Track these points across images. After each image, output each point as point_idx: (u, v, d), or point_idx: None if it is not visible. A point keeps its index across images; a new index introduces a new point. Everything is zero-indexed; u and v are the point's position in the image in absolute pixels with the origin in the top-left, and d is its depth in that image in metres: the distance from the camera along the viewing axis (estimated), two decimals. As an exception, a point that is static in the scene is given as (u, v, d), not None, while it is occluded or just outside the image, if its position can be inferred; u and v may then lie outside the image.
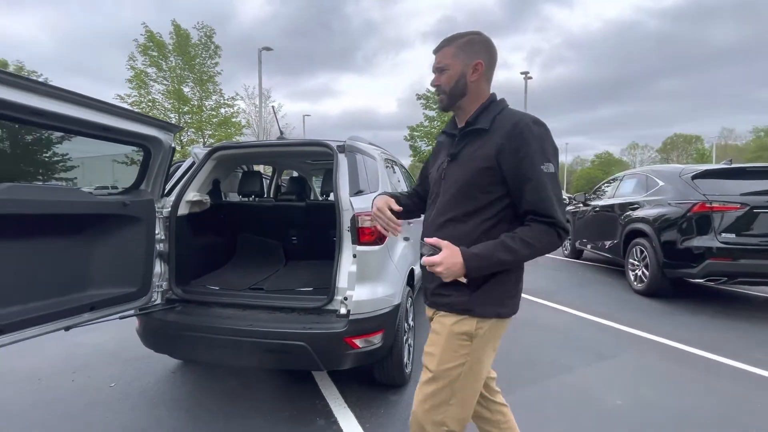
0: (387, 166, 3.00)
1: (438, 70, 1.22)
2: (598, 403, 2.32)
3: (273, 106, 9.52)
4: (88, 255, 1.82)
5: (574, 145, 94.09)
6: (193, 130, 17.77)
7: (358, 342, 1.98)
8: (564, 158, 58.92)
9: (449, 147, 1.24)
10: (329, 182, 2.75)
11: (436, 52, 1.23)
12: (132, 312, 2.06)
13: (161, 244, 2.22)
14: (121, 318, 1.98)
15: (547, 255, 4.94)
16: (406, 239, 2.74)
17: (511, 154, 1.08)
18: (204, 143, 17.13)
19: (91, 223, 1.81)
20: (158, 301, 2.19)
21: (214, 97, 18.47)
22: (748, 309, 4.30)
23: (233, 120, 18.90)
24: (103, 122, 1.69)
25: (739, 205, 3.89)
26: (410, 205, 1.49)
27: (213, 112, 18.37)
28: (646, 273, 4.65)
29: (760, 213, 3.85)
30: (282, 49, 20.04)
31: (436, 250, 1.10)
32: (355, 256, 2.05)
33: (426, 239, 1.11)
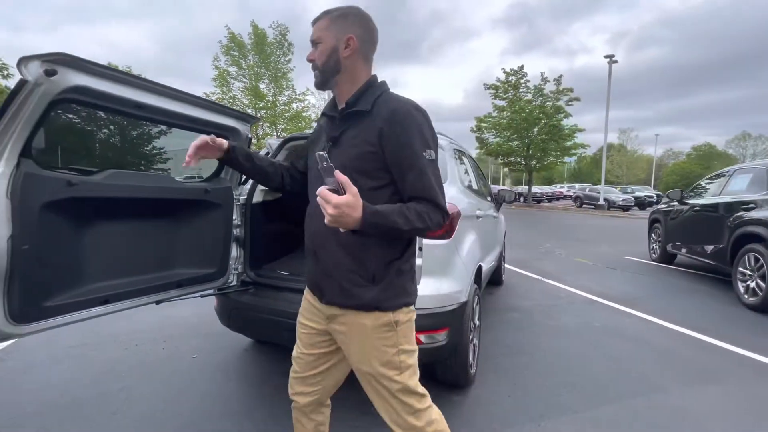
0: (455, 157, 2.87)
1: (312, 43, 1.14)
2: (699, 433, 2.00)
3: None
4: (175, 237, 1.98)
5: (666, 137, 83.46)
6: (267, 124, 18.97)
7: (421, 338, 1.91)
8: (653, 151, 52.70)
9: (330, 130, 1.16)
10: None
11: (312, 25, 1.15)
12: (211, 291, 2.22)
13: (237, 230, 2.35)
14: (202, 296, 2.14)
15: (633, 258, 4.46)
16: (475, 236, 2.59)
17: (393, 140, 1.05)
18: (277, 136, 18.19)
19: (179, 207, 1.96)
20: (234, 283, 2.33)
21: (287, 93, 19.54)
22: None
23: (304, 114, 19.81)
24: (189, 113, 1.82)
25: None
26: (268, 168, 1.33)
27: (285, 107, 19.44)
28: (762, 285, 3.94)
29: None
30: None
31: (340, 190, 0.92)
32: (420, 249, 1.98)
33: (337, 174, 0.91)
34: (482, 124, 24.91)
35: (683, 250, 5.80)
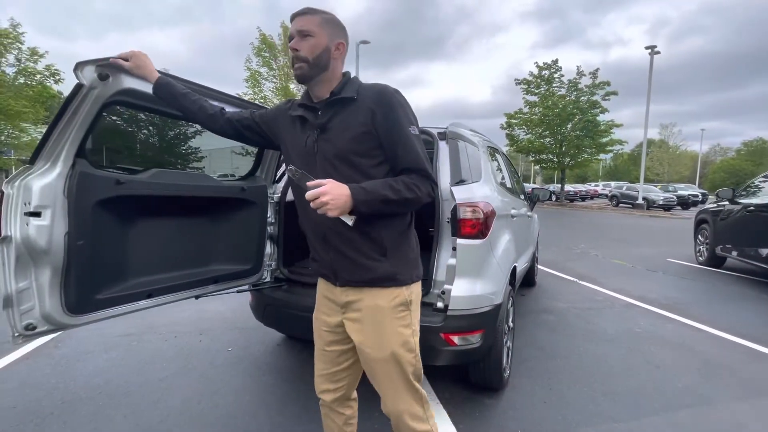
0: (488, 154, 2.79)
1: (301, 33, 1.14)
2: None
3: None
4: (213, 234, 2.04)
5: (712, 132, 78.20)
6: (297, 123, 19.34)
7: (455, 339, 1.87)
8: (698, 147, 49.58)
9: (312, 119, 1.19)
10: None
11: (299, 15, 1.16)
12: (246, 287, 2.27)
13: (271, 227, 2.39)
14: (238, 292, 2.20)
15: (676, 261, 4.21)
16: (510, 236, 2.52)
17: (383, 119, 1.13)
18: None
19: (216, 205, 2.02)
20: (268, 279, 2.38)
21: (316, 92, 19.82)
22: None
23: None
24: None
25: None
26: (200, 104, 1.37)
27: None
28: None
29: None
30: (375, 43, 20.53)
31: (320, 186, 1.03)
32: (454, 249, 1.94)
33: (308, 183, 1.03)
34: (512, 121, 24.28)
35: (734, 253, 5.41)
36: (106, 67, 1.34)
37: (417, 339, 1.24)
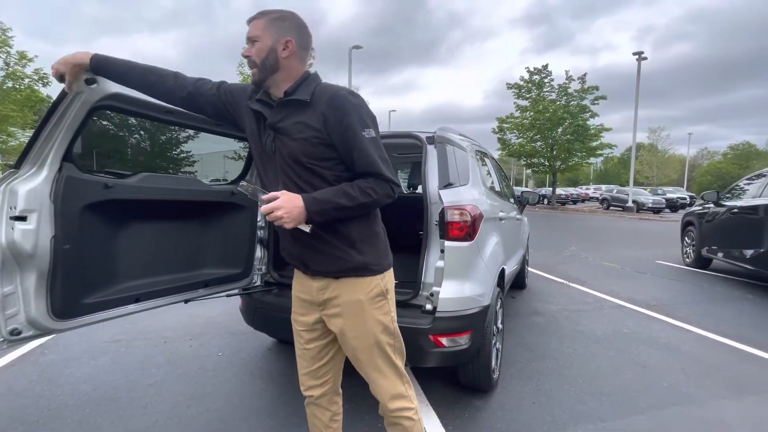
0: (477, 158, 2.84)
1: (249, 40, 1.17)
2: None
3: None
4: (203, 238, 2.05)
5: (699, 136, 79.54)
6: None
7: (444, 341, 1.89)
8: (686, 150, 50.46)
9: (269, 116, 1.19)
10: (417, 175, 2.69)
11: (249, 22, 1.18)
12: (236, 291, 2.27)
13: (261, 231, 2.40)
14: (227, 296, 2.20)
15: (664, 263, 4.28)
16: (498, 239, 2.56)
17: (336, 124, 1.13)
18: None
19: (206, 209, 2.03)
20: (258, 283, 2.38)
21: (308, 97, 19.85)
22: None
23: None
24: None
25: None
26: (164, 81, 1.26)
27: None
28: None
29: None
30: (368, 48, 20.70)
31: (274, 199, 1.07)
32: (443, 251, 1.97)
33: (262, 196, 1.08)
34: (504, 125, 24.51)
35: (720, 255, 5.52)
36: (92, 72, 1.35)
37: (395, 321, 1.29)
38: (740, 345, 3.15)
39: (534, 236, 6.03)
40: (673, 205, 22.83)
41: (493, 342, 2.28)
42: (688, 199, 24.09)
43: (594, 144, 22.63)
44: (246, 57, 1.18)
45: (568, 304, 4.25)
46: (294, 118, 1.15)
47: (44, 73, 15.15)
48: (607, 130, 22.53)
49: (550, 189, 26.45)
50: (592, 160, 27.66)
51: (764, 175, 5.16)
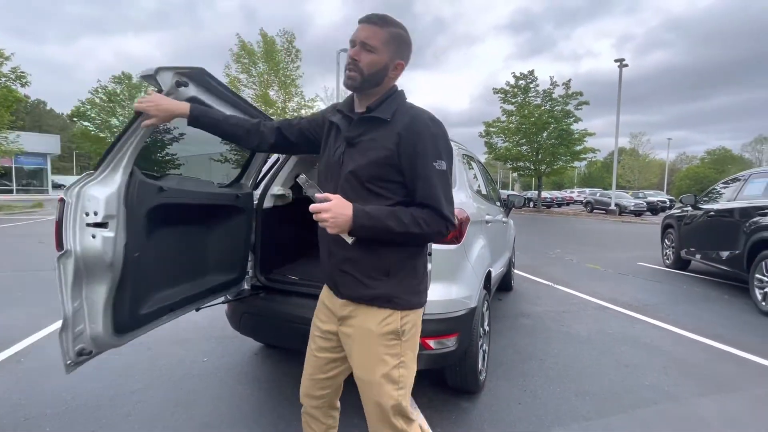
0: (464, 162, 2.87)
1: (363, 45, 1.10)
2: None
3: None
4: (209, 243, 2.00)
5: (679, 141, 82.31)
6: (277, 130, 19.20)
7: (431, 343, 1.91)
8: (666, 155, 51.93)
9: (345, 129, 1.17)
10: None
11: (368, 23, 1.10)
12: (231, 297, 2.24)
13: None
14: (224, 302, 2.16)
15: (645, 264, 4.39)
16: (484, 242, 2.59)
17: (409, 147, 1.08)
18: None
19: (213, 213, 1.99)
20: (245, 287, 2.36)
21: (296, 99, 19.76)
22: None
23: (313, 120, 20.01)
24: None
25: None
26: (239, 131, 1.32)
27: (295, 113, 19.66)
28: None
29: None
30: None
31: (326, 200, 1.05)
32: (430, 254, 1.98)
33: (316, 194, 1.05)
34: (491, 129, 24.81)
35: (697, 256, 5.69)
36: (186, 75, 1.33)
37: (405, 372, 1.15)
38: (717, 344, 3.25)
39: (520, 239, 6.12)
40: (653, 208, 23.42)
41: (480, 344, 2.30)
42: (668, 203, 24.75)
43: (578, 148, 23.07)
44: (353, 59, 1.11)
45: (553, 305, 4.32)
46: (370, 134, 1.12)
47: (22, 72, 14.73)
48: (591, 134, 23.03)
49: (536, 192, 26.85)
50: (576, 164, 28.23)
51: (739, 179, 5.35)
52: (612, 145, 23.55)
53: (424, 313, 1.91)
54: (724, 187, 5.66)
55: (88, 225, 1.26)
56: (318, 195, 1.05)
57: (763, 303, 4.08)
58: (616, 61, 21.05)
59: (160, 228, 1.59)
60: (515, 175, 34.20)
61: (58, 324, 1.43)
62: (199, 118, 1.30)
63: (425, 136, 1.09)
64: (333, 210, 1.01)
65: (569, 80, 22.58)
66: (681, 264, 6.38)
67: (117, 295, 1.34)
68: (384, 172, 1.10)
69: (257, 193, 2.47)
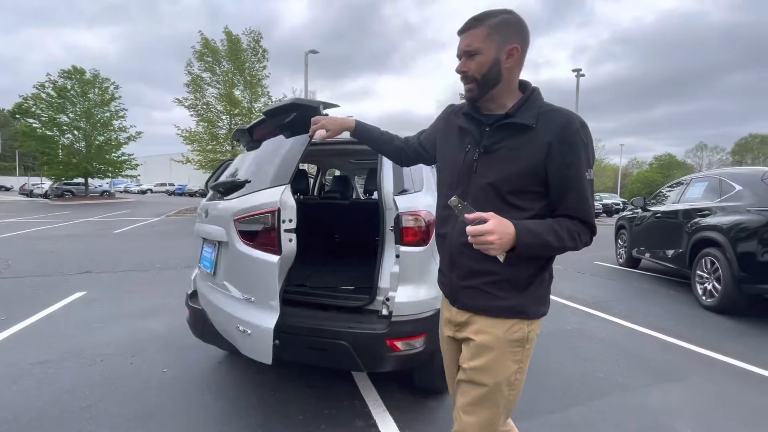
0: (431, 165, 2.92)
1: (466, 54, 1.06)
2: (664, 430, 2.10)
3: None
4: None
5: (630, 147, 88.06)
6: (243, 131, 18.65)
7: (399, 345, 1.92)
8: (619, 161, 55.30)
9: (476, 134, 1.10)
10: (372, 181, 2.71)
11: (462, 33, 1.07)
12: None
13: None
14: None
15: (601, 263, 4.63)
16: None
17: (559, 157, 1.01)
18: (253, 143, 17.87)
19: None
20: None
21: (262, 100, 19.29)
22: None
23: (280, 121, 19.58)
24: None
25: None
26: (387, 147, 1.46)
27: (261, 114, 19.18)
28: (718, 287, 4.19)
29: None
30: (323, 53, 20.50)
31: (481, 220, 0.95)
32: (398, 256, 2.00)
33: (467, 215, 0.95)
34: (457, 133, 25.40)
35: (647, 255, 6.09)
36: (327, 108, 1.64)
37: (521, 377, 1.12)
38: (663, 336, 3.49)
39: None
40: (608, 210, 24.85)
41: (447, 344, 2.34)
42: (621, 205, 26.34)
43: (539, 153, 24.08)
44: (461, 72, 1.07)
45: (517, 304, 4.46)
46: (509, 141, 1.05)
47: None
48: (551, 140, 24.11)
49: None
50: (538, 168, 29.37)
51: (682, 183, 5.79)
52: (570, 151, 24.76)
53: (392, 315, 1.94)
54: (669, 191, 6.11)
55: (286, 231, 1.62)
56: (470, 216, 0.95)
57: (704, 297, 4.43)
58: (573, 71, 22.21)
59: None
60: (481, 178, 35.11)
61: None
62: (362, 132, 1.45)
63: (578, 147, 1.02)
64: (497, 231, 0.92)
65: (531, 88, 23.54)
66: (632, 262, 6.81)
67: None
68: (527, 184, 1.04)
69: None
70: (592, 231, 1.06)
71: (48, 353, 2.83)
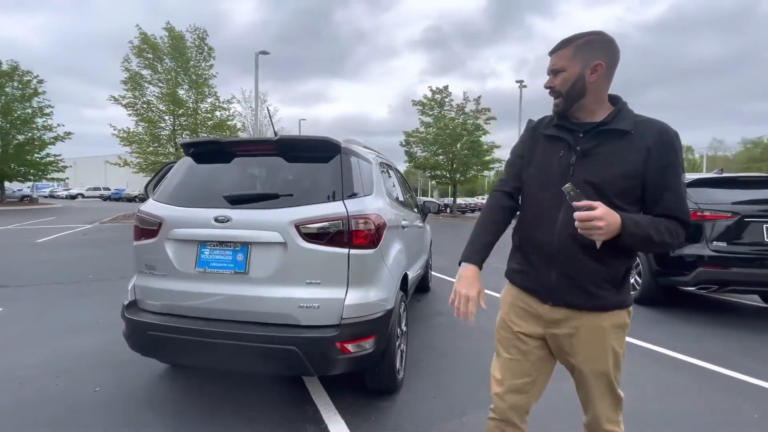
0: (382, 171, 2.99)
1: (552, 72, 1.20)
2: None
3: (268, 109, 9.46)
4: None
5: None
6: (188, 132, 17.69)
7: (350, 347, 1.94)
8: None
9: (570, 140, 1.19)
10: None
11: (552, 53, 1.22)
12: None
13: None
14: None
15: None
16: (401, 246, 2.72)
17: (657, 161, 1.11)
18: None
19: None
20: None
21: (209, 100, 18.43)
22: (740, 317, 4.33)
23: (228, 123, 18.83)
24: None
25: (730, 214, 3.93)
26: (500, 224, 1.38)
27: (208, 115, 18.31)
28: (639, 280, 4.67)
29: (751, 222, 3.89)
30: (273, 55, 20.12)
31: (589, 208, 1.04)
32: (348, 259, 2.03)
33: (576, 203, 1.05)
34: (411, 139, 25.96)
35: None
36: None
37: (622, 357, 1.26)
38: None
39: (437, 242, 6.49)
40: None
41: (398, 344, 2.41)
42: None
43: (487, 158, 25.27)
44: (549, 88, 1.18)
45: (465, 303, 4.65)
46: (607, 146, 1.13)
47: None
48: (498, 147, 25.41)
49: (452, 199, 28.69)
50: (486, 173, 30.84)
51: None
52: (515, 157, 26.28)
53: (342, 319, 1.96)
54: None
55: None
56: (580, 203, 1.03)
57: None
58: (517, 81, 23.69)
59: None
60: (434, 182, 36.16)
61: None
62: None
63: (675, 150, 1.12)
64: (606, 218, 1.01)
65: (479, 96, 24.75)
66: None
67: None
68: (629, 185, 1.12)
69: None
70: (688, 229, 1.14)
71: (-46, 379, 2.51)
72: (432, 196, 52.65)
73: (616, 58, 1.18)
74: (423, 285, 4.86)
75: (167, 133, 17.50)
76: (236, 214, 2.08)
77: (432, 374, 2.74)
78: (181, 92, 17.69)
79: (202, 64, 18.08)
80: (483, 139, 24.85)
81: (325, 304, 1.99)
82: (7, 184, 24.70)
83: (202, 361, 2.20)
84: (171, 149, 16.97)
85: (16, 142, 22.49)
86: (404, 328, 2.67)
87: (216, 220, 2.08)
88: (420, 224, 4.15)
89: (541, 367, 1.30)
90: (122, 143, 16.88)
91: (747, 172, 6.72)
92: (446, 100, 24.99)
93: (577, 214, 1.04)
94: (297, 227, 2.00)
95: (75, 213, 19.01)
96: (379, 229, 2.20)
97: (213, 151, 2.44)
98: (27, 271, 5.88)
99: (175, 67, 17.38)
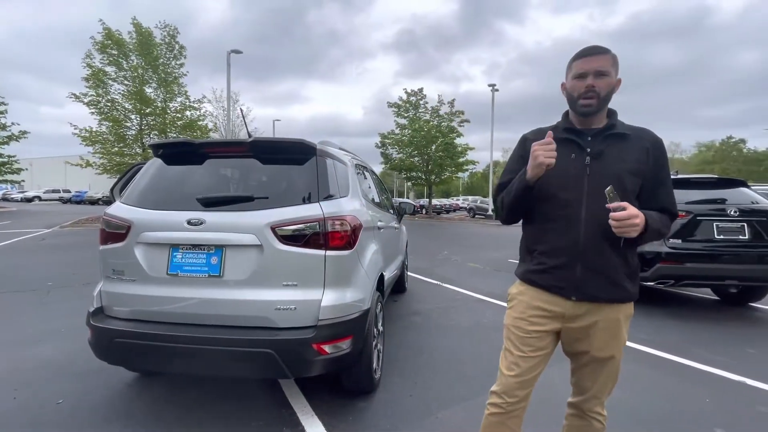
0: (358, 172, 3.01)
1: (599, 74, 1.25)
2: (557, 398, 2.40)
3: (241, 109, 9.25)
4: None
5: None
6: (156, 132, 17.04)
7: (326, 348, 1.95)
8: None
9: (581, 143, 1.31)
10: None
11: (594, 54, 1.27)
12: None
13: None
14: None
15: (514, 261, 5.07)
16: (377, 246, 2.75)
17: (655, 161, 1.30)
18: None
19: None
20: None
21: (179, 99, 17.83)
22: (695, 310, 4.62)
23: (199, 123, 18.28)
24: None
25: (684, 213, 4.20)
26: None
27: (178, 115, 17.70)
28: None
29: (703, 220, 4.17)
30: (246, 54, 19.69)
31: (620, 208, 1.15)
32: (324, 260, 2.03)
33: (610, 204, 1.16)
34: (386, 141, 26.07)
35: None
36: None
37: None
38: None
39: (413, 243, 6.57)
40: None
41: (374, 344, 2.43)
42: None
43: (461, 160, 25.73)
44: (591, 86, 1.24)
45: (441, 302, 4.75)
46: (615, 148, 1.29)
47: None
48: (471, 149, 25.91)
49: (427, 200, 29.01)
50: (460, 174, 31.38)
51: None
52: (488, 158, 26.90)
53: (318, 320, 1.96)
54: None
55: None
56: (613, 204, 1.14)
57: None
58: (489, 85, 24.25)
59: None
60: (409, 184, 36.45)
61: None
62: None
63: (665, 152, 1.33)
64: (640, 216, 1.15)
65: (453, 99, 25.17)
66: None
67: None
68: (635, 182, 1.27)
69: (129, 203, 2.21)
70: (674, 220, 1.34)
71: None
72: (408, 198, 53.03)
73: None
74: (399, 285, 4.91)
75: (134, 132, 16.77)
76: (210, 216, 2.04)
77: (409, 373, 2.78)
78: (148, 90, 17.02)
79: (173, 62, 17.47)
80: (457, 141, 25.29)
81: (302, 306, 1.98)
82: (-47, 186, 22.96)
83: (174, 368, 2.15)
84: (138, 150, 16.28)
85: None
86: (381, 328, 2.70)
87: (189, 222, 2.03)
88: (396, 225, 4.20)
89: (546, 359, 1.41)
90: (84, 143, 16.03)
91: (700, 174, 7.19)
92: (421, 102, 25.27)
93: (615, 215, 1.15)
94: (273, 229, 1.98)
95: (32, 217, 17.90)
96: (355, 230, 2.21)
97: (184, 152, 2.38)
98: (-22, 279, 5.50)
99: (143, 64, 16.71)
